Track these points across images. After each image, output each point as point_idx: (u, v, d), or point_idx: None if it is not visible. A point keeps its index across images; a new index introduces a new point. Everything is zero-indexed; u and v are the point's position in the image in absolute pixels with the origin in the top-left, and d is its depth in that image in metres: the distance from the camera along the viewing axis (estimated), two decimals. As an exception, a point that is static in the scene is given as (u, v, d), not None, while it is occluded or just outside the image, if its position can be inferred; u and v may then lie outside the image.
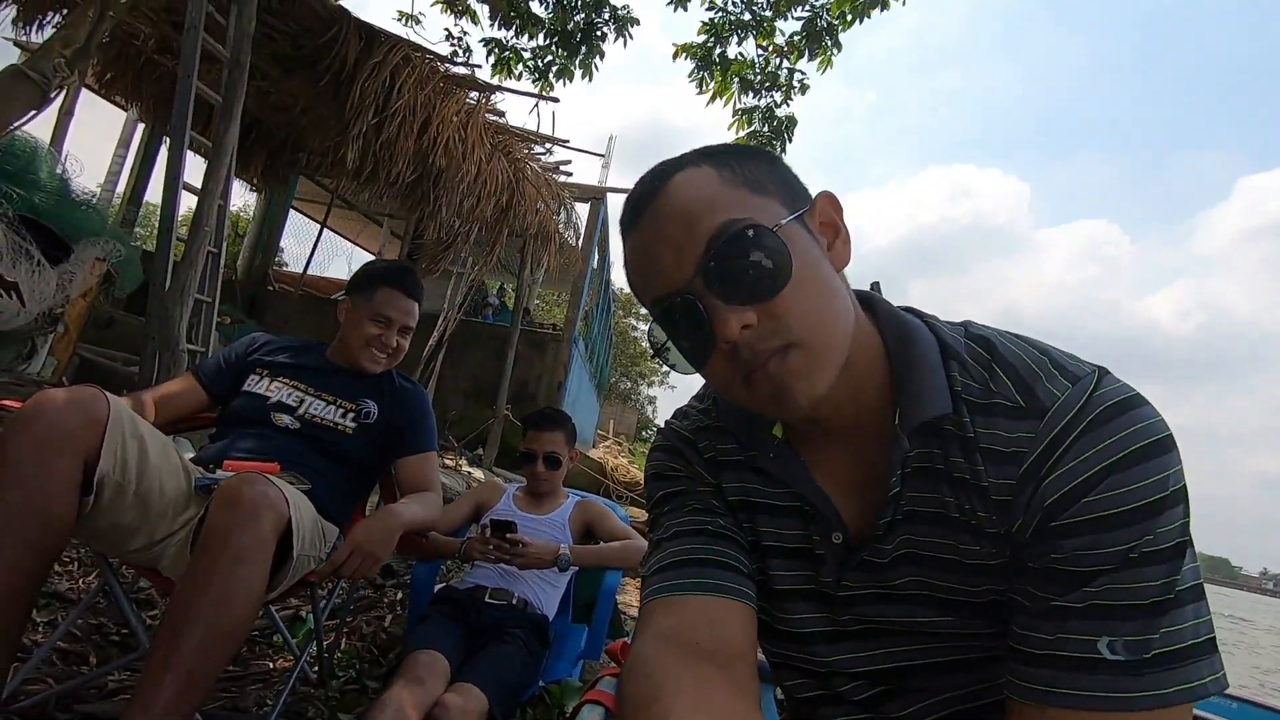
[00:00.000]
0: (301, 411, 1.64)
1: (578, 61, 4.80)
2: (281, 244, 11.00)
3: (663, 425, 0.79)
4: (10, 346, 2.96)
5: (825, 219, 0.64)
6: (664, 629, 0.60)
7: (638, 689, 0.54)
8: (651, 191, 0.62)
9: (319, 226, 9.02)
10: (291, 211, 9.86)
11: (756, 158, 0.63)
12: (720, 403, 0.73)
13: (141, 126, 7.30)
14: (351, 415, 1.68)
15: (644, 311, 0.75)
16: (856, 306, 0.65)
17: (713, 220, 0.58)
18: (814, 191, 0.66)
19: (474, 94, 5.08)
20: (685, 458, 0.74)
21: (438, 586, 2.19)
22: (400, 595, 2.34)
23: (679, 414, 0.78)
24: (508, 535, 1.88)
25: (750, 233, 0.57)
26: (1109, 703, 0.51)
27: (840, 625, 0.67)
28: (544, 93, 4.80)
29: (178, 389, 1.67)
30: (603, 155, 8.00)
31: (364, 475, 1.72)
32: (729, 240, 0.57)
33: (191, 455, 1.62)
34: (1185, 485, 0.53)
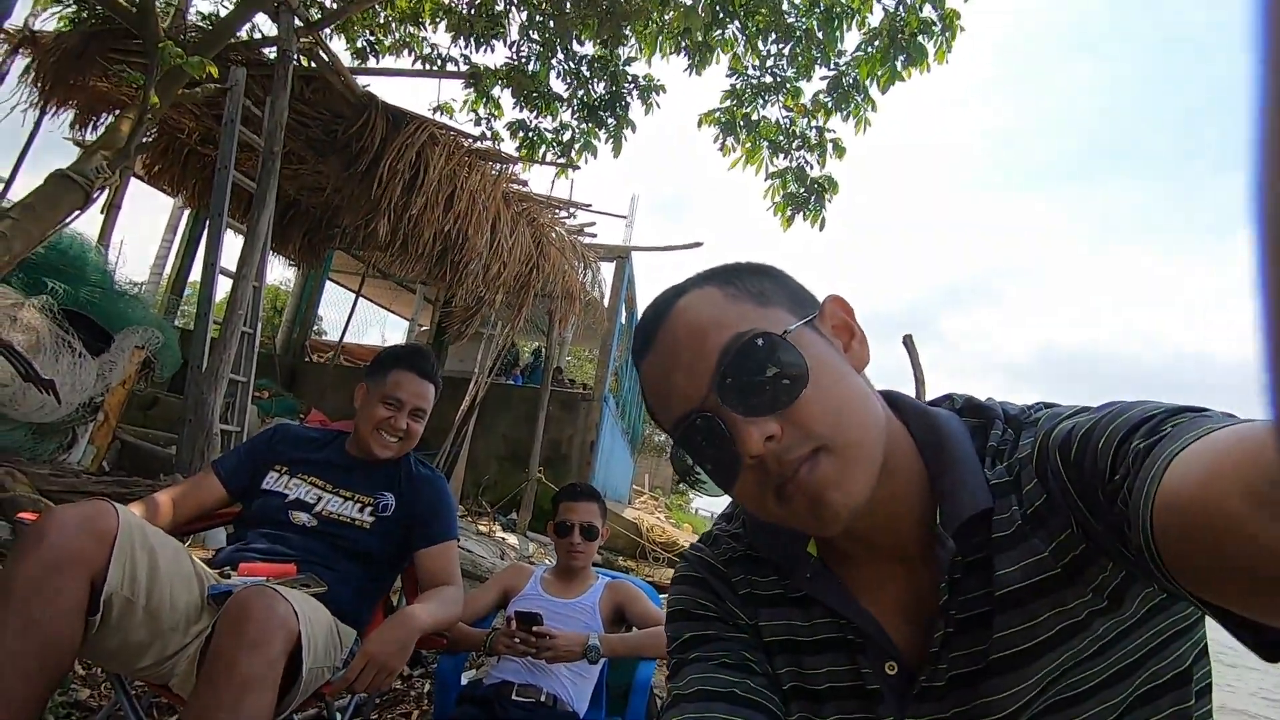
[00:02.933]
0: (319, 509, 1.61)
1: (605, 135, 4.83)
2: (320, 313, 11.38)
3: (690, 552, 0.73)
4: (51, 438, 3.04)
5: (837, 322, 0.63)
6: None
7: None
8: (659, 317, 0.62)
9: (354, 296, 9.27)
10: (328, 283, 10.18)
11: (759, 272, 0.64)
12: (750, 523, 0.69)
13: (187, 213, 7.66)
14: (369, 510, 1.64)
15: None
16: (885, 408, 0.62)
17: (720, 335, 0.57)
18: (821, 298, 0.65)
19: (497, 166, 5.22)
20: (716, 593, 0.68)
21: (466, 677, 2.10)
22: (428, 687, 2.26)
23: (708, 540, 0.72)
24: (534, 628, 1.80)
25: (759, 341, 0.56)
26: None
27: None
28: (567, 162, 4.88)
29: (197, 485, 1.65)
30: (625, 216, 8.12)
31: (385, 570, 1.67)
32: (739, 352, 0.56)
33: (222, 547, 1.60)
34: None
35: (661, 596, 2.23)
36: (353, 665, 1.33)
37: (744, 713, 0.60)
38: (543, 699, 1.78)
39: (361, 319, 11.97)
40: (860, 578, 0.63)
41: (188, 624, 1.28)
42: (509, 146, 5.17)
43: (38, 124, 5.39)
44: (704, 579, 0.69)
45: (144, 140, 5.45)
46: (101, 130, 4.72)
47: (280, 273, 12.66)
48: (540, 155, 4.87)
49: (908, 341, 3.02)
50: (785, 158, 4.49)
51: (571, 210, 6.12)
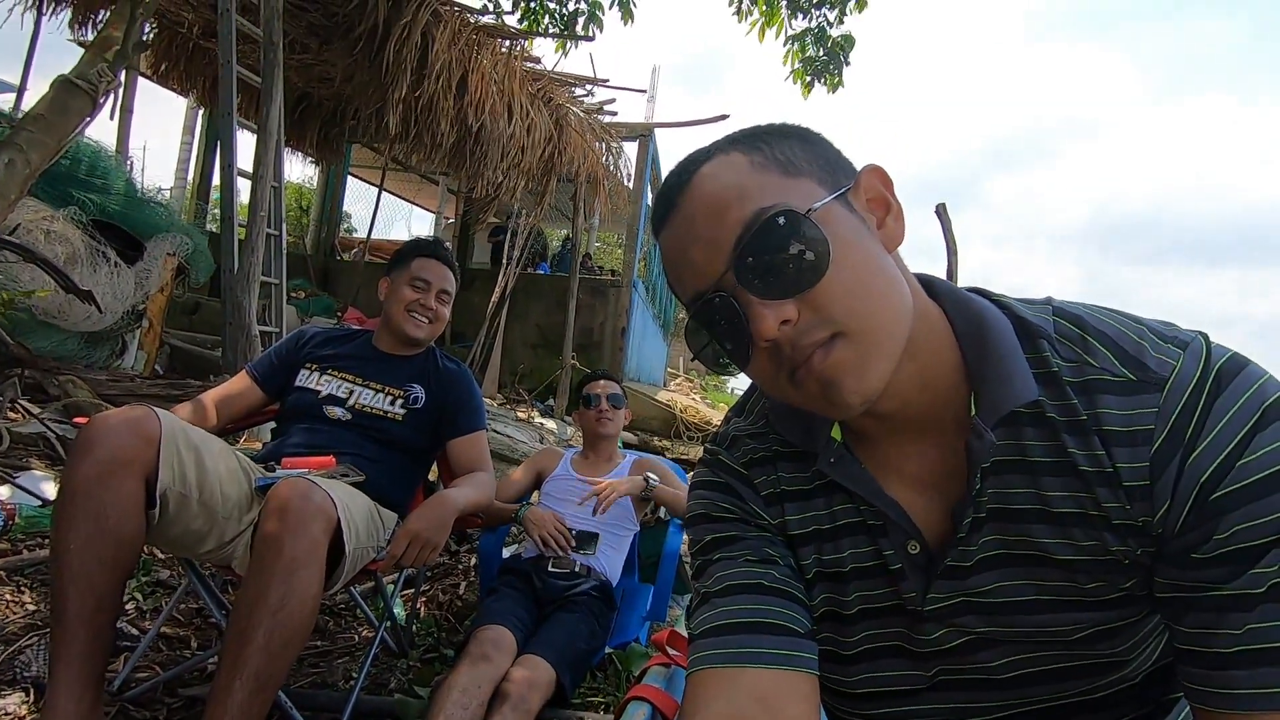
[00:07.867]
0: (351, 403, 1.68)
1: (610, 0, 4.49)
2: (348, 210, 11.33)
3: (707, 456, 0.72)
4: (103, 346, 3.19)
5: (873, 195, 0.59)
6: (717, 718, 0.56)
7: None
8: (679, 186, 0.58)
9: (376, 191, 9.17)
10: (350, 178, 10.06)
11: (791, 136, 0.59)
12: (771, 407, 0.68)
13: (202, 112, 7.52)
14: (400, 402, 1.71)
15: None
16: (918, 290, 0.60)
17: (742, 210, 0.54)
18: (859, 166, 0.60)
19: (507, 43, 4.94)
20: (739, 495, 0.67)
21: (507, 551, 2.26)
22: (473, 561, 2.44)
23: (725, 442, 0.71)
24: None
25: (781, 220, 0.53)
26: None
27: (914, 645, 0.62)
28: (570, 34, 4.58)
29: (237, 389, 1.73)
30: (645, 90, 7.70)
31: (419, 457, 1.77)
32: (759, 230, 0.53)
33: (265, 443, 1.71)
34: None
35: (688, 474, 2.32)
36: (396, 541, 1.44)
37: (772, 601, 0.62)
38: (576, 570, 1.91)
39: (387, 214, 11.91)
40: (884, 457, 0.62)
41: (240, 513, 1.39)
42: (513, 20, 4.87)
43: (37, 25, 5.25)
44: (725, 483, 0.68)
45: (144, 38, 5.28)
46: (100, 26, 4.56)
47: (301, 170, 12.54)
48: (543, 26, 4.57)
49: (940, 211, 2.89)
50: (805, 18, 4.15)
51: (589, 87, 5.82)
